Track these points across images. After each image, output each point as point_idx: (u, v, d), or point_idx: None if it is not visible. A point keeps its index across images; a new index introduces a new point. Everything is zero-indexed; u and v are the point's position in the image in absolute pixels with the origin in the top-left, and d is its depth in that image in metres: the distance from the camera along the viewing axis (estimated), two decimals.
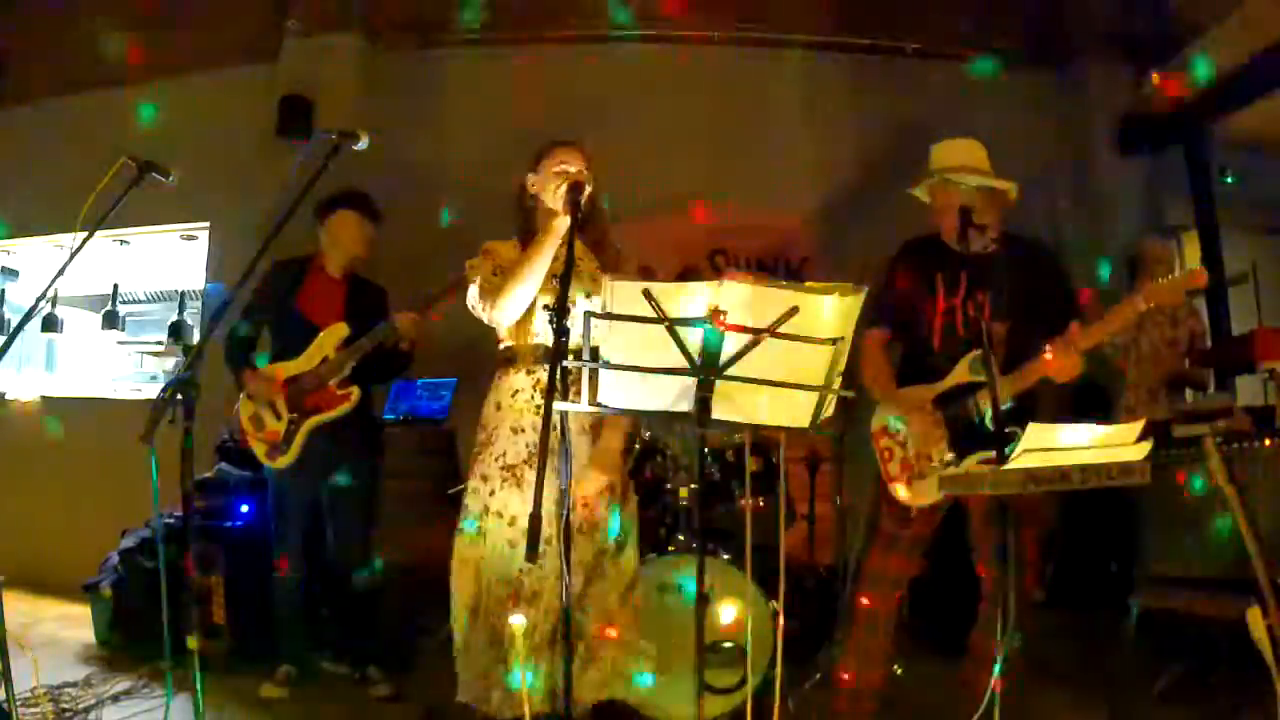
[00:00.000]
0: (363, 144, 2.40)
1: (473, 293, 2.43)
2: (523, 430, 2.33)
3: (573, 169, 2.37)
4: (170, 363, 5.63)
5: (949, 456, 2.38)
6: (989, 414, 2.27)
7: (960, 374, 2.41)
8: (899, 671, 2.84)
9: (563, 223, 2.25)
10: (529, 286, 2.31)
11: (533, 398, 2.34)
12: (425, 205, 4.38)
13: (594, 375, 1.80)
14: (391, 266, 3.66)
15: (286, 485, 3.21)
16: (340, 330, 3.20)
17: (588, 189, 2.27)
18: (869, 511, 2.67)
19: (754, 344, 1.65)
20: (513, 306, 2.33)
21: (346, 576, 3.23)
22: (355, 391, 3.17)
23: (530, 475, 2.28)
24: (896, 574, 2.53)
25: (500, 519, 2.30)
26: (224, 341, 3.19)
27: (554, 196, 2.35)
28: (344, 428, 3.19)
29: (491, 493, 2.32)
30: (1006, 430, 1.97)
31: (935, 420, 2.42)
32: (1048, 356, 2.25)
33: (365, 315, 3.20)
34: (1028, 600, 2.44)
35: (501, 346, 2.46)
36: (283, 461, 3.13)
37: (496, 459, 2.34)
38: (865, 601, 2.55)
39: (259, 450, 3.18)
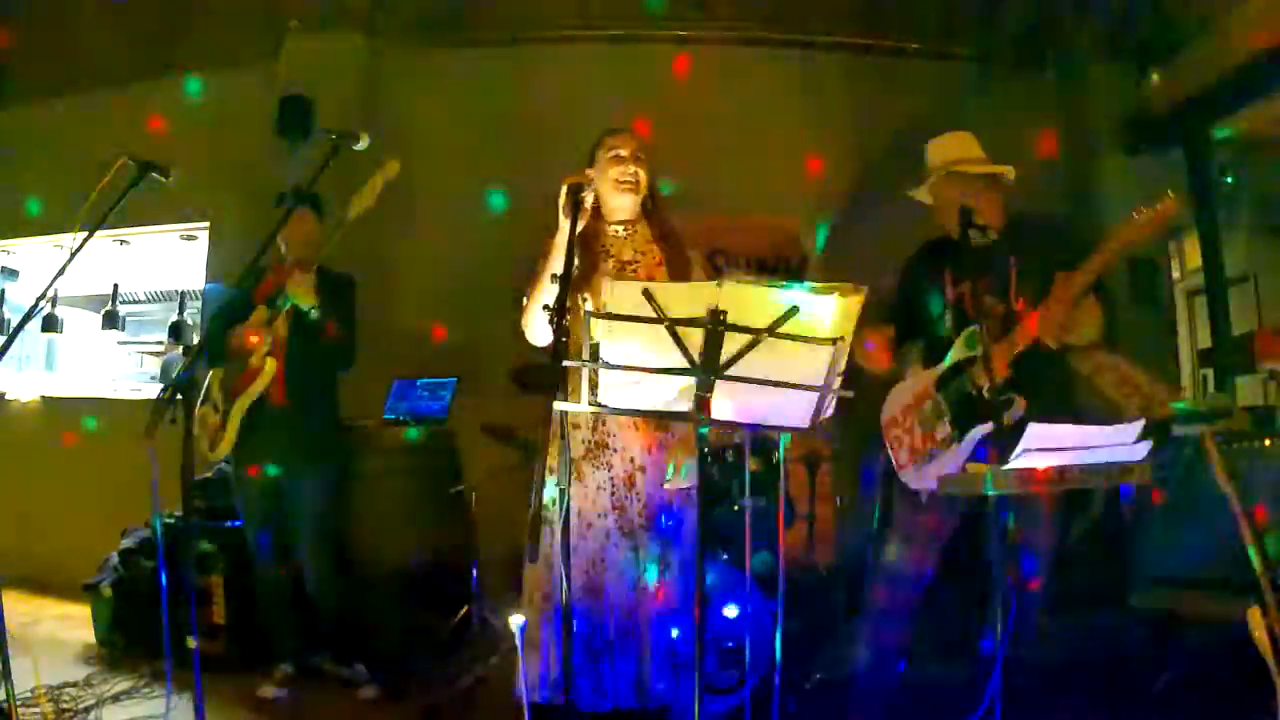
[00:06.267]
0: (363, 144, 2.40)
1: None
2: (578, 426, 2.34)
3: (624, 152, 2.39)
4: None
5: (949, 433, 2.36)
6: (984, 385, 2.27)
7: (957, 352, 2.40)
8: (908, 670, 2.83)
9: (562, 231, 2.23)
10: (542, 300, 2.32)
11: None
12: (424, 204, 4.38)
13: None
14: (388, 264, 3.67)
15: (243, 486, 3.22)
16: (261, 314, 3.13)
17: (589, 190, 2.27)
18: (880, 508, 2.66)
19: (754, 344, 1.65)
20: (531, 324, 2.36)
21: (315, 578, 3.21)
22: (270, 363, 3.08)
23: (587, 470, 2.33)
24: (916, 569, 2.49)
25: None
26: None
27: (611, 184, 2.38)
28: (300, 427, 3.14)
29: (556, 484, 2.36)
30: (1003, 398, 1.96)
31: (937, 402, 2.42)
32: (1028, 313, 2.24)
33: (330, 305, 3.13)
34: (1035, 600, 2.43)
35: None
36: (222, 450, 3.12)
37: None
38: (882, 596, 2.53)
39: (203, 445, 3.14)
